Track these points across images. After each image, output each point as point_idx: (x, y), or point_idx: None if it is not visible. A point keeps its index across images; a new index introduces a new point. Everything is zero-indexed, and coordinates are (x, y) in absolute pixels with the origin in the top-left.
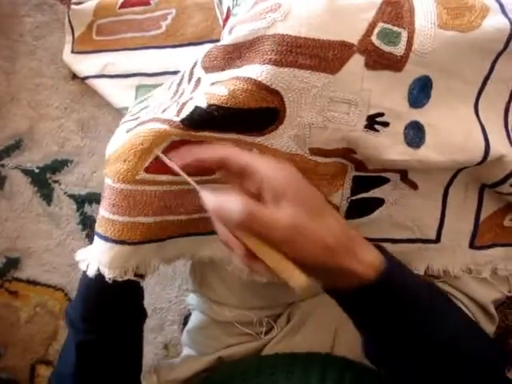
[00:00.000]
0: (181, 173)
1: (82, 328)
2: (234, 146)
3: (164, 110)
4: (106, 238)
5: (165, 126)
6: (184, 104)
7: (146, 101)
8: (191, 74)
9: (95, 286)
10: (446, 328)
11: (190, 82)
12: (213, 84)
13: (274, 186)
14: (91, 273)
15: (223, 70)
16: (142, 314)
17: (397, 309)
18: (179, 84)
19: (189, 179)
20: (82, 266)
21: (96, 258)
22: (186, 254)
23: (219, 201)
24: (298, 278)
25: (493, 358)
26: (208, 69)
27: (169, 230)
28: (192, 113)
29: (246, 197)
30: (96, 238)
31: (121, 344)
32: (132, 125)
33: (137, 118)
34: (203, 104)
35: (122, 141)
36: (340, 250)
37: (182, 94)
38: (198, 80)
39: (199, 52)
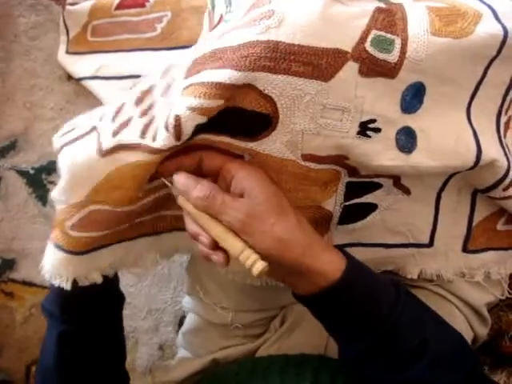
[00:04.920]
0: (167, 183)
1: (62, 319)
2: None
3: (144, 134)
4: (81, 253)
5: (159, 155)
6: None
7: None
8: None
9: None
10: (414, 327)
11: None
12: (187, 87)
13: (241, 184)
14: (68, 286)
15: (199, 72)
16: (120, 298)
17: (362, 307)
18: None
19: (172, 187)
20: (62, 285)
21: (72, 272)
22: (182, 247)
23: (187, 177)
24: (259, 265)
25: (464, 355)
26: (188, 75)
27: (163, 223)
28: (194, 130)
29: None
30: (64, 253)
31: (101, 331)
32: (105, 145)
33: (92, 130)
34: (204, 120)
35: (106, 166)
36: (295, 247)
37: (153, 112)
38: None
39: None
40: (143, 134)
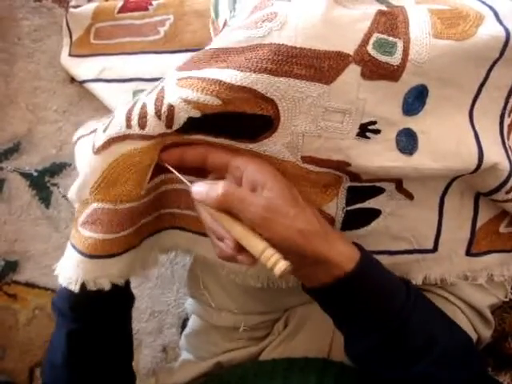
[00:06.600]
0: (173, 171)
1: (72, 317)
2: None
3: (129, 121)
4: (91, 256)
5: (152, 141)
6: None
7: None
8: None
9: None
10: (423, 323)
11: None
12: (185, 79)
13: (253, 178)
14: (77, 288)
15: (200, 69)
16: (130, 298)
17: (374, 300)
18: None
19: (179, 175)
20: (70, 286)
21: (81, 275)
22: (181, 246)
23: (201, 185)
24: (282, 265)
25: (470, 354)
26: (183, 69)
27: (163, 222)
28: (185, 123)
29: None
30: (77, 254)
31: (111, 330)
32: (96, 142)
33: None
34: (197, 115)
35: (100, 163)
36: (315, 238)
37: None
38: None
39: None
40: (128, 121)
